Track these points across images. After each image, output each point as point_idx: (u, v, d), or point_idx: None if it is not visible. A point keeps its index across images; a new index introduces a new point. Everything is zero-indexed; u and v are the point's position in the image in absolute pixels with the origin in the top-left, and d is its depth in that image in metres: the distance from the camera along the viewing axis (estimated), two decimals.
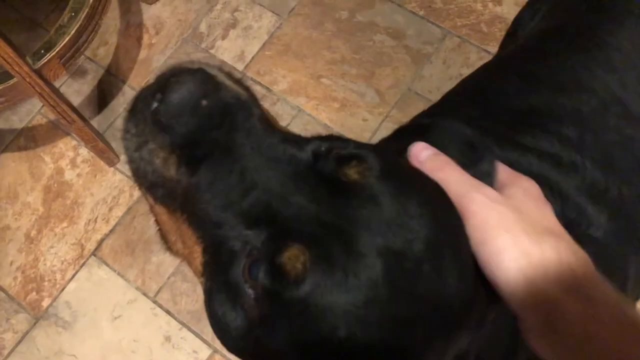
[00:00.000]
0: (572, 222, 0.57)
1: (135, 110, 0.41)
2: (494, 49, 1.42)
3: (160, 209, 0.43)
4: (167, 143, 0.39)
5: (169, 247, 0.48)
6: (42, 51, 1.16)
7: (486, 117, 0.67)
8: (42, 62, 1.15)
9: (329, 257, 0.36)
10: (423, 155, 0.45)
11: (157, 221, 0.47)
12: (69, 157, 1.44)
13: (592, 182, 0.60)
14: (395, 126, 0.64)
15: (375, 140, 0.91)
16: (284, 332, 0.37)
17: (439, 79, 1.42)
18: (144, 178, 0.42)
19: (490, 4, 1.49)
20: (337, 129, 1.40)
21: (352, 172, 0.40)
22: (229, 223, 0.39)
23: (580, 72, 0.70)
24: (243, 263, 0.38)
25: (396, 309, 0.37)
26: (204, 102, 0.39)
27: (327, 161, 0.41)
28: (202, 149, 0.39)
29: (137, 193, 1.38)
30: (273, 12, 1.54)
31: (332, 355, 0.37)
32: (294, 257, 0.37)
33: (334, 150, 0.42)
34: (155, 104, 0.39)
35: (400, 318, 0.37)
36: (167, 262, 1.33)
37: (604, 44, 0.71)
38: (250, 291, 0.38)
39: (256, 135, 0.40)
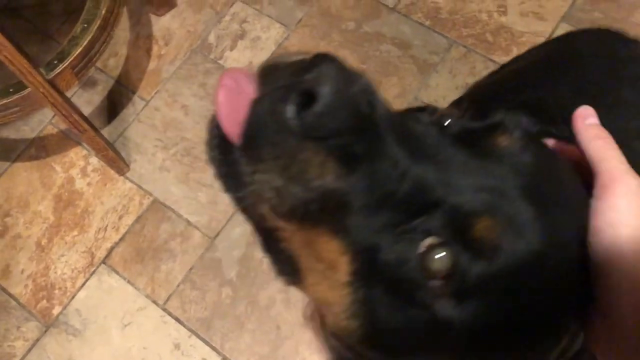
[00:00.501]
0: None
1: (259, 133, 0.35)
2: (499, 58, 1.43)
3: (293, 230, 0.38)
4: (323, 149, 0.34)
5: (293, 272, 0.41)
6: (55, 62, 1.18)
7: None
8: (55, 73, 1.17)
9: (512, 221, 0.36)
10: (590, 120, 0.44)
11: (281, 248, 0.40)
12: (79, 166, 1.46)
13: None
14: None
15: None
16: (483, 310, 0.36)
17: (445, 88, 1.43)
18: (286, 201, 0.36)
19: (495, 14, 1.50)
20: None
21: (501, 140, 0.39)
22: (390, 217, 0.36)
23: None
24: (421, 253, 0.36)
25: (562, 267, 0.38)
26: (351, 93, 0.34)
27: (461, 129, 0.40)
28: (358, 144, 0.35)
29: (146, 201, 1.40)
30: (281, 23, 1.56)
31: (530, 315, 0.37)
32: (486, 228, 0.35)
33: (459, 119, 0.41)
34: (290, 111, 0.34)
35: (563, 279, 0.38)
36: (177, 270, 1.34)
37: None
38: (433, 282, 0.35)
39: (392, 120, 0.36)
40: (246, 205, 0.39)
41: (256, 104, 0.36)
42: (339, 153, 0.34)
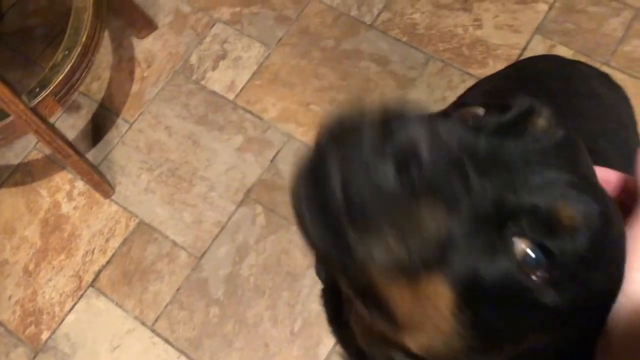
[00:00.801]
0: None
1: (362, 199, 0.35)
2: (475, 71, 1.46)
3: (402, 285, 0.37)
4: (431, 199, 0.35)
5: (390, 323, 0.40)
6: (37, 89, 1.19)
7: None
8: (37, 100, 1.18)
9: (579, 199, 0.38)
10: None
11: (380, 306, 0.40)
12: (65, 190, 1.47)
13: None
14: None
15: None
16: (580, 288, 0.39)
17: (423, 102, 1.46)
18: (401, 258, 0.36)
19: (470, 28, 1.54)
20: None
21: (539, 122, 0.41)
22: (482, 240, 0.37)
23: None
24: (519, 259, 0.37)
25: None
26: (442, 140, 0.35)
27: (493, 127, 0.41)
28: (455, 183, 0.36)
29: (132, 223, 1.41)
30: (261, 43, 1.58)
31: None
32: (567, 217, 0.37)
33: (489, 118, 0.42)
34: (392, 174, 0.34)
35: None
36: (164, 291, 1.35)
37: None
38: (536, 280, 0.37)
39: (463, 143, 0.37)
40: (350, 272, 0.38)
41: (349, 171, 0.35)
42: (445, 198, 0.35)
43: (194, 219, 1.41)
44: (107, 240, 1.41)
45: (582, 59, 1.47)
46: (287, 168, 1.44)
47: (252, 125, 1.48)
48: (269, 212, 1.39)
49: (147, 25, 1.60)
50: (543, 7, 1.54)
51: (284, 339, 1.28)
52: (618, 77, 1.46)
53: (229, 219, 1.39)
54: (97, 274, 1.38)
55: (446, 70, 1.49)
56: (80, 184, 1.47)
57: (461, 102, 0.96)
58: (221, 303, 1.33)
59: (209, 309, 1.33)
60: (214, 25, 1.62)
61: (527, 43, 1.51)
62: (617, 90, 0.91)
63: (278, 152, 1.45)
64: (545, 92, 0.81)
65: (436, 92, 1.47)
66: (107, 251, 1.40)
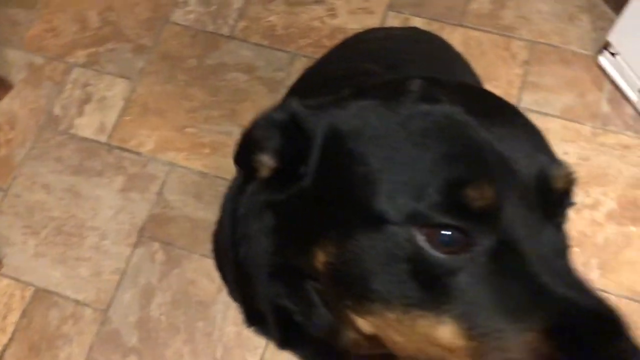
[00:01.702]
0: None
1: None
2: None
3: None
4: None
5: None
6: None
7: None
8: None
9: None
10: None
11: None
12: None
13: None
14: None
15: None
16: None
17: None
18: None
19: (326, 19, 1.55)
20: (213, 173, 1.41)
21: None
22: None
23: None
24: None
25: None
26: None
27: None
28: None
29: (28, 293, 1.34)
30: (123, 77, 1.54)
31: None
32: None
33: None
34: None
35: None
36: (76, 353, 1.29)
37: None
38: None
39: None
40: None
41: None
42: None
43: (91, 272, 1.35)
44: (4, 318, 1.33)
45: (436, 25, 1.52)
46: (176, 197, 1.40)
47: (130, 163, 1.44)
48: (166, 247, 1.36)
49: (0, 86, 1.53)
50: None
51: None
52: (472, 34, 1.52)
53: (127, 263, 1.35)
54: (1, 355, 1.30)
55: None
56: None
57: (299, 88, 0.99)
58: (137, 350, 1.28)
59: (127, 359, 1.28)
60: (71, 70, 1.56)
61: (383, 21, 1.53)
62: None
63: (163, 183, 1.42)
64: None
65: None
66: (7, 328, 1.32)
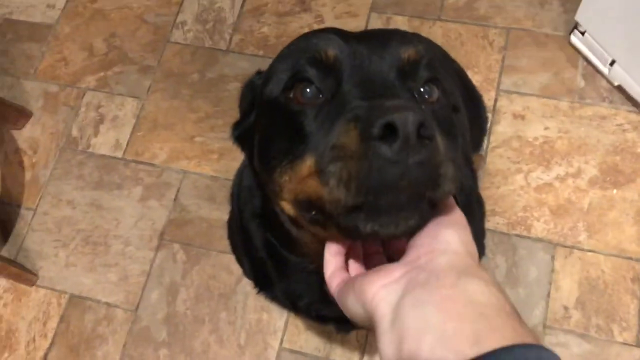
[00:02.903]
0: None
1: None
2: None
3: None
4: None
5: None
6: None
7: None
8: None
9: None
10: None
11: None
12: None
13: None
14: None
15: None
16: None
17: None
18: None
19: (315, 25, 1.67)
20: (223, 176, 1.53)
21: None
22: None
23: None
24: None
25: None
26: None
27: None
28: None
29: (64, 300, 1.46)
30: (133, 97, 1.66)
31: None
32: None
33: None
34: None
35: None
36: (112, 351, 1.40)
37: None
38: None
39: None
40: None
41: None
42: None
43: (119, 276, 1.47)
44: (44, 324, 1.45)
45: (417, 21, 1.63)
46: (191, 201, 1.52)
47: (146, 174, 1.56)
48: (186, 247, 1.47)
49: (21, 115, 1.66)
50: None
51: (234, 355, 1.36)
52: (451, 27, 1.63)
53: (152, 265, 1.47)
54: (45, 358, 1.42)
55: None
56: (2, 282, 1.51)
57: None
58: (167, 343, 1.40)
59: (158, 352, 1.39)
60: (84, 95, 1.69)
61: (367, 23, 1.65)
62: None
63: (178, 190, 1.54)
64: None
65: None
66: (48, 334, 1.44)
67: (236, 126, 0.67)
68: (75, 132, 1.65)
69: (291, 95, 0.54)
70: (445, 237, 0.45)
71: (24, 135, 1.67)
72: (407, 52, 0.53)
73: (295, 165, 0.51)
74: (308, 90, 0.52)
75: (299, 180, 0.50)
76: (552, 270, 1.35)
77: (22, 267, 1.48)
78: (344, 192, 0.44)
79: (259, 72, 0.66)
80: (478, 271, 0.43)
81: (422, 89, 0.54)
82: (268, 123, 0.58)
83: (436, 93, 0.54)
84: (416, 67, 0.54)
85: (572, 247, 1.36)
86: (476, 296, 0.40)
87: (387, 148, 0.42)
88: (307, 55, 0.54)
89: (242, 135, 0.66)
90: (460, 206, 0.51)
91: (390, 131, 0.42)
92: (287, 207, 0.55)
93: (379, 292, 0.44)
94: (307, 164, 0.49)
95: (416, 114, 0.42)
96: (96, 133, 1.64)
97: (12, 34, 1.81)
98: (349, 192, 0.44)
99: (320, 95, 0.52)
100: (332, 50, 0.53)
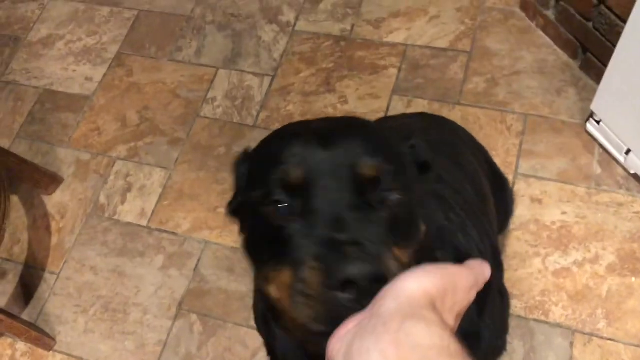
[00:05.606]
0: None
1: None
2: None
3: None
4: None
5: None
6: None
7: None
8: None
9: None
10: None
11: None
12: (7, 355, 1.52)
13: None
14: None
15: None
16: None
17: None
18: None
19: (339, 105, 1.74)
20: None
21: None
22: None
23: None
24: None
25: None
26: None
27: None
28: None
29: None
30: (161, 167, 1.73)
31: None
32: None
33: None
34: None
35: None
36: None
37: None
38: None
39: None
40: None
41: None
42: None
43: (136, 345, 1.48)
44: None
45: (437, 105, 1.69)
46: (210, 272, 1.55)
47: (169, 243, 1.60)
48: (203, 318, 1.49)
49: (52, 181, 1.73)
50: (393, 71, 1.77)
51: None
52: (470, 111, 1.69)
53: (169, 335, 1.48)
54: None
55: None
56: (21, 345, 1.52)
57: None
58: None
59: None
60: (114, 164, 1.76)
61: (388, 104, 1.72)
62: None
63: (199, 260, 1.57)
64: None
65: None
66: None
67: (232, 202, 0.73)
68: (102, 199, 1.70)
69: (270, 209, 0.59)
70: (404, 284, 0.47)
71: (54, 200, 1.73)
72: (367, 169, 0.58)
73: (275, 271, 0.57)
74: (281, 208, 0.58)
75: (279, 284, 0.57)
76: (571, 358, 1.33)
77: (42, 332, 1.50)
78: (307, 320, 0.52)
79: (245, 152, 0.73)
80: (424, 312, 0.44)
81: (382, 194, 0.59)
82: (253, 224, 0.65)
83: (396, 196, 0.59)
84: (375, 182, 0.58)
85: (591, 335, 1.35)
86: (419, 339, 0.41)
87: (344, 297, 0.49)
88: (275, 177, 0.59)
89: (236, 210, 0.72)
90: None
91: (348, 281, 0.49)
92: (272, 291, 0.60)
93: (335, 345, 0.46)
94: (284, 276, 0.56)
95: (373, 267, 0.49)
96: (123, 201, 1.69)
97: (50, 103, 1.91)
98: (310, 322, 0.52)
99: (293, 211, 0.58)
100: (299, 172, 0.58)
